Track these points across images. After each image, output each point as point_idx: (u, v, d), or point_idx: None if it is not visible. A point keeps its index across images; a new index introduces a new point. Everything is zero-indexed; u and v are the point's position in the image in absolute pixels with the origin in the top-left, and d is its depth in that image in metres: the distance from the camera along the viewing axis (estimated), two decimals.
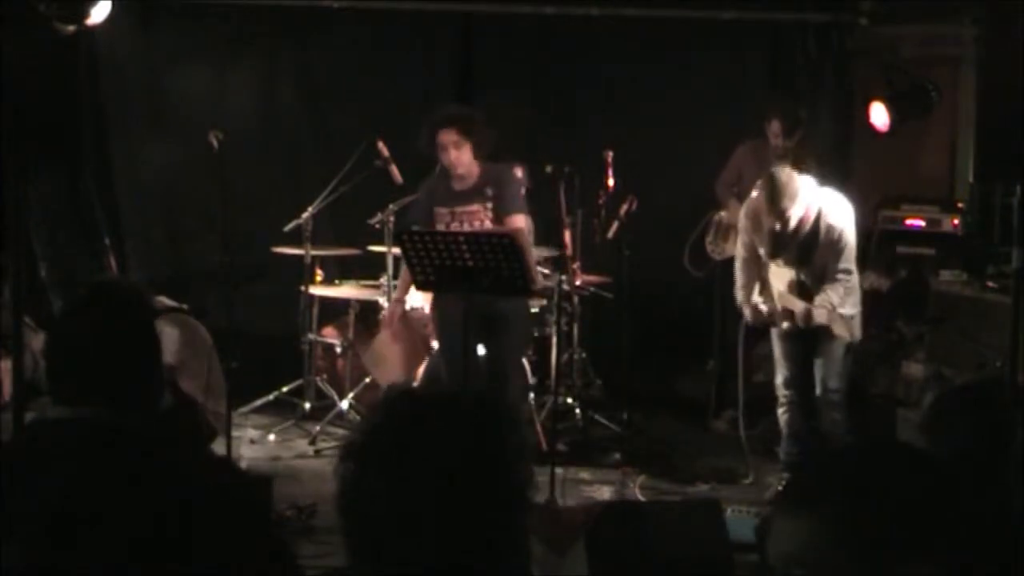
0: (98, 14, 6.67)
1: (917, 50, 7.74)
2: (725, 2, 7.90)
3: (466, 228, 5.86)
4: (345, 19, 7.99)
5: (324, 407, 7.21)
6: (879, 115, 7.35)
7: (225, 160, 5.93)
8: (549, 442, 6.09)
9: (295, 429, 7.13)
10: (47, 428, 2.42)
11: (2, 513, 2.05)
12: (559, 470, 5.75)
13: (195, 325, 5.46)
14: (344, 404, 7.09)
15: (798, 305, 5.65)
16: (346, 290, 7.36)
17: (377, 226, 6.91)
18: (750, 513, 5.26)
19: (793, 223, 5.60)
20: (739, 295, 5.99)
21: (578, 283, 7.14)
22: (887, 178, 7.82)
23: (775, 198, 5.57)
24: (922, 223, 7.39)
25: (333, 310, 7.50)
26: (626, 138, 7.29)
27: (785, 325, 5.77)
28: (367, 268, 7.46)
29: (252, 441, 6.90)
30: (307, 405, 7.28)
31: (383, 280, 7.03)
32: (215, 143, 5.89)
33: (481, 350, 6.03)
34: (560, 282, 6.22)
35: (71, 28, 6.70)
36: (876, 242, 7.16)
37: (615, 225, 7.04)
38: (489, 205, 5.91)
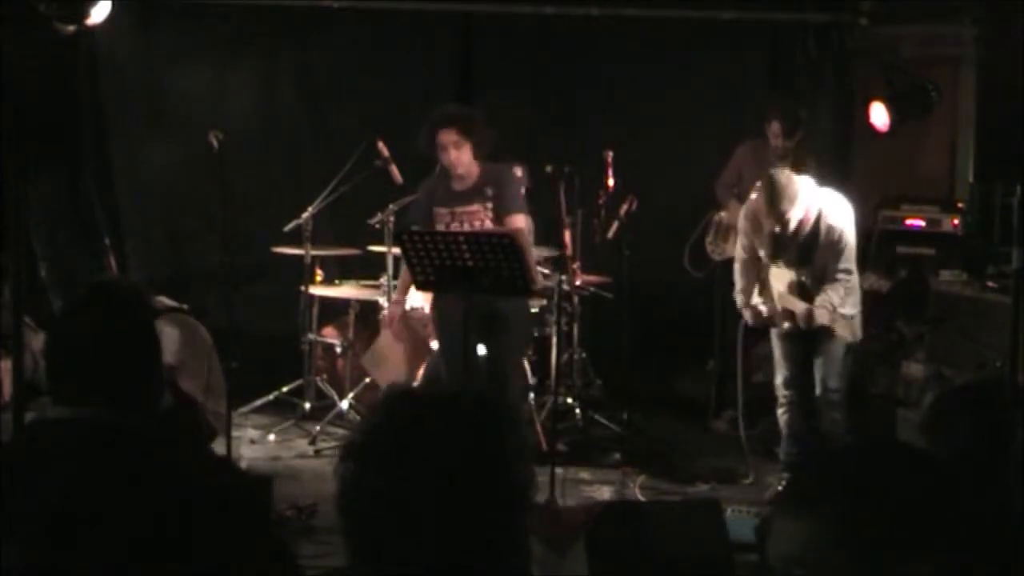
0: (98, 14, 6.67)
1: (917, 50, 7.74)
2: (725, 2, 7.90)
3: (466, 228, 5.86)
4: (345, 19, 7.99)
5: (324, 407, 7.21)
6: (879, 115, 7.35)
7: (225, 160, 5.93)
8: (549, 442, 6.09)
9: (295, 429, 7.13)
10: (47, 428, 2.42)
11: (2, 513, 2.05)
12: (559, 470, 5.75)
13: (195, 325, 5.46)
14: (344, 404, 7.09)
15: (799, 306, 5.65)
16: (346, 290, 7.36)
17: (377, 226, 6.92)
18: (750, 513, 5.26)
19: (793, 225, 5.60)
20: (739, 298, 5.99)
21: (578, 283, 7.14)
22: (887, 178, 7.82)
23: (774, 200, 5.57)
24: (922, 223, 7.39)
25: (333, 310, 7.50)
26: (626, 138, 7.29)
27: (786, 326, 5.77)
28: (367, 268, 7.46)
29: (252, 441, 6.90)
30: (307, 405, 7.28)
31: (383, 280, 7.03)
32: (215, 143, 5.89)
33: (482, 350, 6.03)
34: (560, 282, 6.22)
35: (71, 28, 6.70)
36: (876, 242, 7.17)
37: (615, 225, 7.04)
38: (489, 205, 5.90)
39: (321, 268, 7.41)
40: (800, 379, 5.91)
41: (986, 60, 7.64)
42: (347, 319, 7.32)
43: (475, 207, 5.91)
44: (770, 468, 6.24)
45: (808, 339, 5.83)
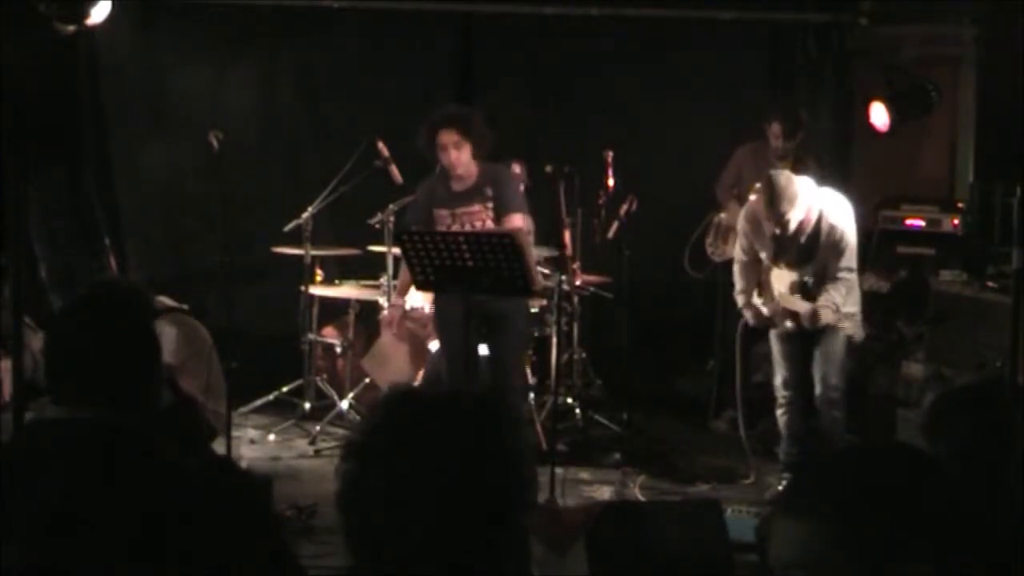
0: (98, 14, 6.67)
1: (917, 50, 7.74)
2: (725, 2, 7.90)
3: (467, 229, 5.86)
4: (345, 19, 7.99)
5: (324, 407, 7.21)
6: (879, 115, 7.35)
7: (225, 160, 5.93)
8: (549, 442, 6.09)
9: (295, 429, 7.13)
10: (47, 428, 2.43)
11: (2, 513, 2.05)
12: (559, 470, 5.75)
13: (195, 325, 5.46)
14: (344, 404, 7.09)
15: (802, 306, 5.66)
16: (346, 290, 7.36)
17: (377, 226, 6.92)
18: (750, 513, 5.26)
19: (793, 226, 5.60)
20: (739, 298, 5.99)
21: (578, 283, 7.14)
22: (887, 178, 7.82)
23: (774, 201, 5.57)
24: (922, 223, 7.39)
25: (333, 310, 7.50)
26: (626, 138, 7.29)
27: (788, 325, 5.77)
28: (367, 268, 7.46)
29: (252, 441, 6.90)
30: (307, 405, 7.28)
31: (383, 280, 7.03)
32: (215, 143, 5.89)
33: (483, 350, 6.03)
34: (560, 282, 6.22)
35: (71, 28, 6.70)
36: (876, 242, 7.16)
37: (615, 225, 7.04)
38: (489, 205, 5.91)
39: (321, 268, 7.41)
40: (799, 379, 5.91)
41: (986, 60, 7.64)
42: (347, 319, 7.32)
43: (475, 207, 5.91)
44: (770, 468, 6.24)
45: (807, 339, 5.83)
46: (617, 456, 6.61)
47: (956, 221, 7.31)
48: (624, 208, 6.99)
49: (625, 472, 6.38)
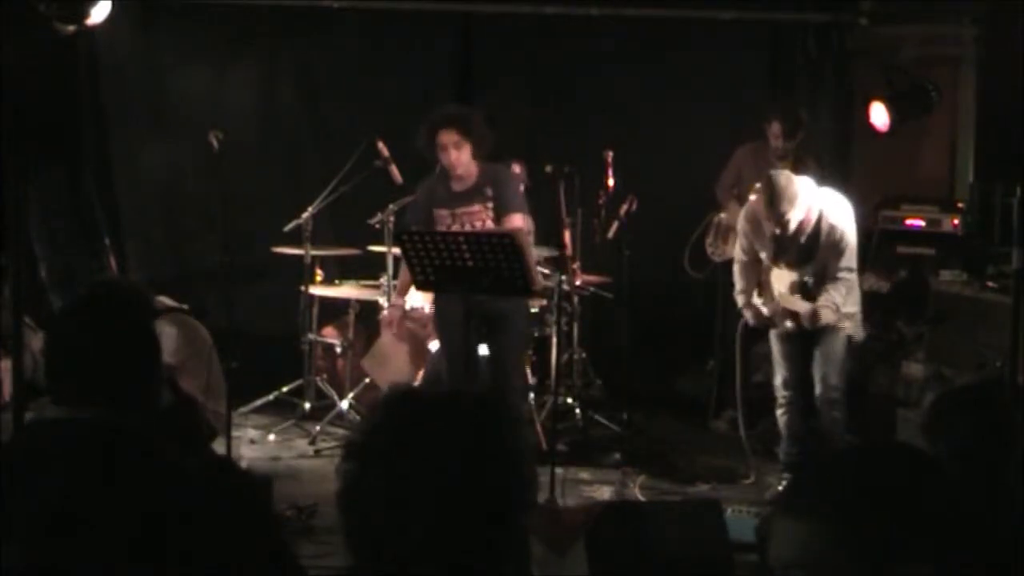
0: (98, 14, 6.67)
1: (917, 50, 7.74)
2: (725, 2, 7.90)
3: (468, 229, 5.86)
4: (345, 19, 7.99)
5: (324, 407, 7.21)
6: (879, 115, 7.35)
7: (225, 160, 5.93)
8: (549, 442, 6.09)
9: (295, 429, 7.13)
10: (47, 428, 2.42)
11: (2, 513, 2.05)
12: (559, 470, 5.75)
13: (195, 325, 5.46)
14: (344, 404, 7.09)
15: (803, 306, 5.66)
16: (346, 290, 7.36)
17: (377, 226, 6.92)
18: (750, 513, 5.26)
19: (793, 226, 5.60)
20: (739, 298, 5.99)
21: (578, 283, 7.14)
22: (887, 178, 7.82)
23: (773, 201, 5.57)
24: (922, 223, 7.39)
25: (333, 310, 7.50)
26: (626, 138, 7.29)
27: (789, 325, 5.77)
28: (367, 268, 7.46)
29: (252, 441, 6.90)
30: (307, 405, 7.28)
31: (383, 280, 7.03)
32: (215, 143, 5.89)
33: (483, 350, 6.03)
34: (560, 282, 6.22)
35: (71, 28, 6.70)
36: (876, 242, 7.16)
37: (615, 225, 7.04)
38: (489, 205, 5.90)
39: (321, 268, 7.41)
40: (799, 379, 5.91)
41: (986, 60, 7.64)
42: (347, 319, 7.32)
43: (476, 207, 5.91)
44: (770, 468, 6.24)
45: (807, 338, 5.83)
46: (617, 456, 6.61)
47: (956, 221, 7.31)
48: (624, 208, 6.99)
49: (625, 472, 6.38)
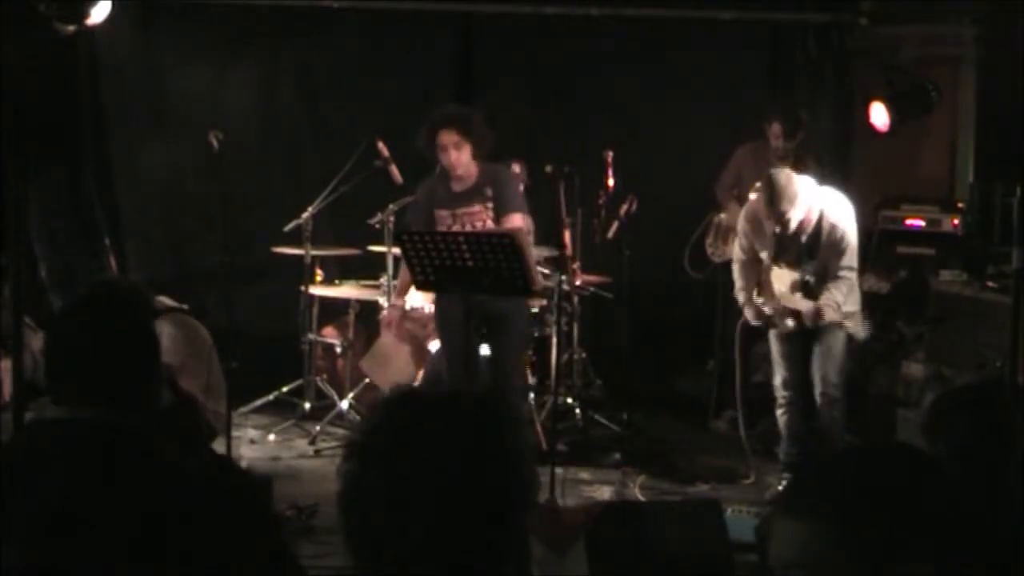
0: (98, 14, 6.67)
1: (917, 50, 7.74)
2: (725, 2, 7.90)
3: (468, 229, 5.86)
4: (345, 19, 7.99)
5: (324, 407, 7.21)
6: (879, 115, 7.35)
7: (225, 160, 5.93)
8: (549, 442, 6.09)
9: (295, 429, 7.13)
10: (47, 428, 2.42)
11: (2, 513, 2.05)
12: (559, 470, 5.75)
13: (195, 325, 5.46)
14: (344, 404, 7.09)
15: (805, 304, 5.66)
16: (346, 290, 7.36)
17: (377, 226, 6.92)
18: (750, 513, 5.26)
19: (793, 225, 5.60)
20: (739, 296, 6.00)
21: (578, 283, 7.15)
22: (887, 178, 7.82)
23: (774, 200, 5.57)
24: (922, 223, 7.39)
25: (333, 310, 7.50)
26: (626, 138, 7.29)
27: (790, 324, 5.77)
28: (367, 268, 7.46)
29: (252, 441, 6.90)
30: (307, 405, 7.28)
31: (383, 280, 7.03)
32: (215, 143, 5.89)
33: (485, 350, 6.03)
34: (560, 282, 6.22)
35: (71, 28, 6.70)
36: (876, 242, 7.16)
37: (615, 225, 7.04)
38: (489, 205, 5.90)
39: (321, 268, 7.41)
40: (799, 379, 5.91)
41: (986, 60, 7.64)
42: (347, 319, 7.32)
43: (476, 207, 5.91)
44: (770, 468, 6.24)
45: (806, 338, 5.84)
46: (617, 456, 6.61)
47: (956, 221, 7.31)
48: (624, 208, 6.99)
49: (625, 472, 6.38)
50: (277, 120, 8.28)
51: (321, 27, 8.04)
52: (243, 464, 6.15)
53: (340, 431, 6.98)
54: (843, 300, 5.65)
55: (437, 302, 6.21)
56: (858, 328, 5.71)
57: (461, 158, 5.83)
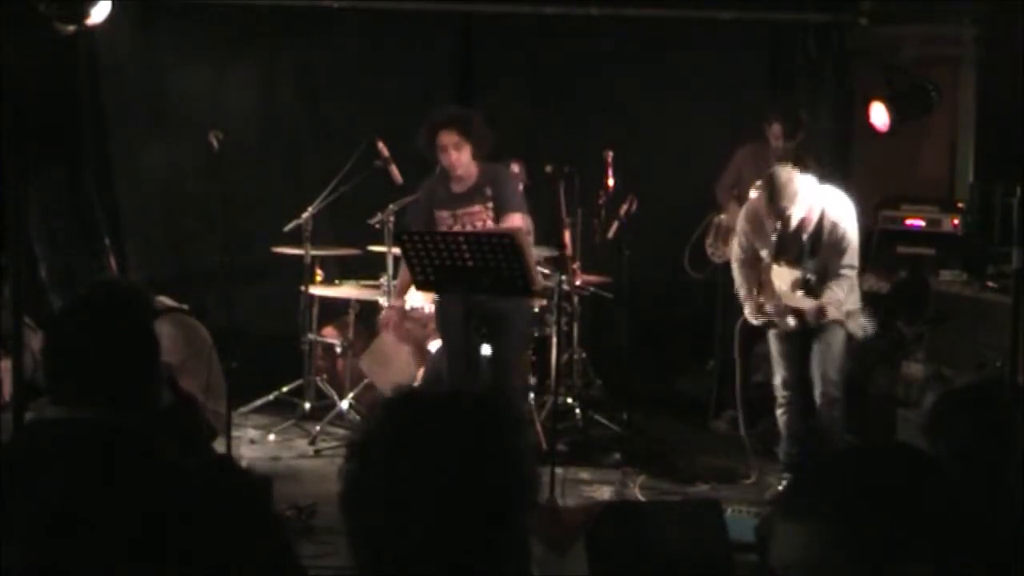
0: (98, 14, 6.67)
1: (917, 50, 7.74)
2: (725, 2, 7.90)
3: (469, 229, 5.86)
4: (345, 19, 7.99)
5: (324, 407, 7.21)
6: (879, 115, 7.35)
7: (225, 160, 5.93)
8: (549, 442, 6.09)
9: (295, 429, 7.13)
10: (47, 428, 2.42)
11: (2, 513, 2.05)
12: (559, 470, 5.75)
13: (195, 325, 5.46)
14: (344, 404, 7.09)
15: (807, 303, 5.66)
16: (346, 290, 7.36)
17: (377, 226, 6.91)
18: (750, 513, 5.26)
19: (794, 223, 5.60)
20: (740, 292, 5.99)
21: (578, 283, 7.14)
22: (887, 178, 7.82)
23: (774, 197, 5.57)
24: (922, 223, 7.39)
25: (333, 310, 7.50)
26: (626, 138, 7.29)
27: (792, 323, 5.76)
28: (367, 268, 7.46)
29: (252, 441, 6.90)
30: (307, 405, 7.28)
31: (383, 280, 7.03)
32: (215, 143, 5.89)
33: (486, 349, 6.03)
34: (560, 282, 6.22)
35: (71, 28, 6.70)
36: (876, 242, 7.16)
37: (615, 225, 7.04)
38: (489, 205, 5.91)
39: (321, 268, 7.41)
40: (799, 379, 5.91)
41: (986, 60, 7.64)
42: (347, 319, 7.32)
43: (476, 208, 5.91)
44: (770, 468, 6.24)
45: (806, 337, 5.83)
46: (617, 456, 6.61)
47: (956, 221, 7.31)
48: (624, 208, 6.99)
49: (625, 472, 6.38)
50: (277, 120, 8.28)
51: (321, 27, 8.04)
52: (243, 464, 6.15)
53: (340, 431, 6.98)
54: (844, 298, 5.65)
55: (438, 302, 6.21)
56: (857, 327, 5.71)
57: (461, 158, 5.84)
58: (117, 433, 2.25)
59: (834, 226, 5.68)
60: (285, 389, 7.36)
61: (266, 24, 8.05)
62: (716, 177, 7.34)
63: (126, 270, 7.92)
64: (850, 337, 5.83)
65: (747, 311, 5.94)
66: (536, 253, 6.42)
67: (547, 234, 6.84)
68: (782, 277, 5.81)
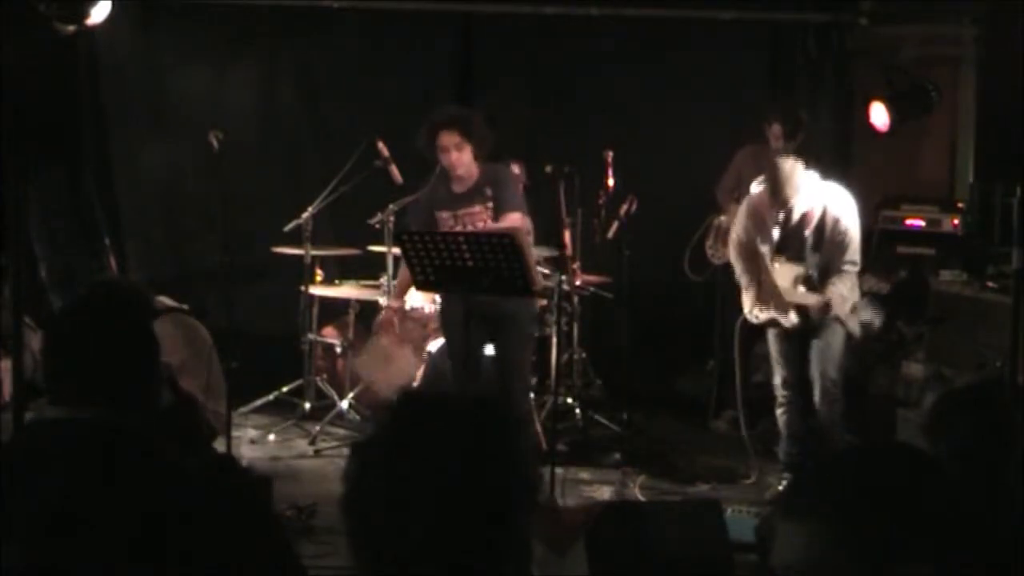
0: (98, 14, 6.68)
1: (917, 50, 7.74)
2: (725, 2, 7.90)
3: (469, 229, 5.85)
4: (345, 19, 7.99)
5: (324, 407, 7.21)
6: (879, 115, 7.35)
7: (225, 160, 5.93)
8: (549, 442, 6.09)
9: (295, 429, 7.13)
10: (47, 428, 2.42)
11: (2, 513, 2.05)
12: (559, 470, 5.75)
13: (195, 325, 5.45)
14: (344, 404, 7.08)
15: (812, 298, 5.65)
16: (346, 290, 7.36)
17: (377, 226, 6.91)
18: (750, 513, 5.26)
19: (796, 215, 5.61)
20: (742, 280, 5.96)
21: (578, 283, 7.15)
22: (887, 178, 7.82)
23: (778, 187, 5.57)
24: (922, 223, 7.39)
25: (333, 310, 7.49)
26: (626, 138, 7.29)
27: (794, 319, 5.75)
28: (367, 268, 7.46)
29: (252, 441, 6.90)
30: (307, 405, 7.28)
31: (383, 280, 7.03)
32: (215, 143, 5.89)
33: (489, 349, 6.03)
34: (560, 282, 6.22)
35: (71, 28, 6.70)
36: (876, 242, 7.16)
37: (615, 225, 7.04)
38: (489, 205, 5.90)
39: (321, 268, 7.41)
40: (798, 379, 5.91)
41: (986, 60, 7.64)
42: (347, 319, 7.32)
43: (476, 208, 5.91)
44: (770, 468, 6.24)
45: (805, 337, 5.83)
46: (617, 456, 6.61)
47: (956, 221, 7.31)
48: (624, 208, 6.99)
49: (625, 472, 6.38)
50: (277, 120, 8.28)
51: (321, 27, 8.04)
52: (243, 464, 6.14)
53: (340, 431, 6.98)
54: (847, 294, 5.65)
55: (442, 303, 6.21)
56: (858, 325, 5.70)
57: (462, 159, 5.83)
58: (117, 433, 2.25)
59: (836, 222, 5.68)
60: (285, 389, 7.36)
61: (266, 24, 8.05)
62: (716, 178, 7.34)
63: (126, 270, 7.92)
64: (850, 337, 5.83)
65: (746, 304, 5.92)
66: (536, 253, 6.42)
67: (547, 234, 6.84)
68: (782, 275, 5.80)
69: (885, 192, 7.59)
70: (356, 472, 1.63)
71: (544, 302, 6.84)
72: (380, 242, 7.06)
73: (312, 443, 6.84)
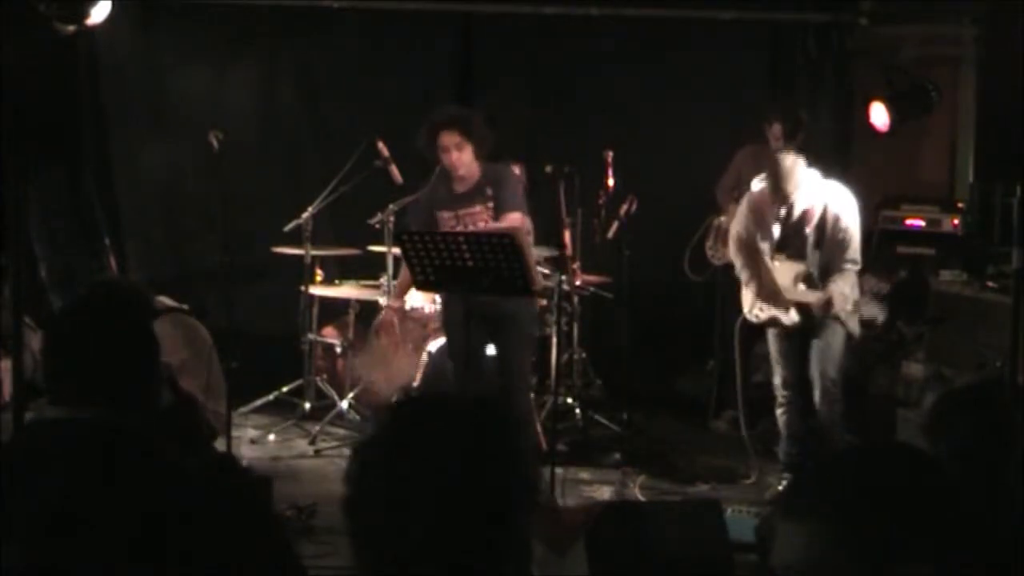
0: (98, 14, 6.68)
1: (917, 50, 7.74)
2: (725, 2, 7.90)
3: (470, 229, 5.85)
4: (345, 19, 7.99)
5: (324, 407, 7.21)
6: (879, 115, 7.35)
7: (225, 160, 5.93)
8: (549, 442, 6.09)
9: (295, 429, 7.13)
10: (47, 428, 2.42)
11: (2, 513, 2.05)
12: (559, 470, 5.75)
13: (195, 325, 5.46)
14: (344, 404, 7.08)
15: (813, 296, 5.65)
16: (346, 290, 7.36)
17: (377, 226, 6.91)
18: (750, 513, 5.26)
19: (797, 211, 5.61)
20: (743, 275, 5.95)
21: (578, 283, 7.15)
22: (887, 178, 7.82)
23: (779, 182, 5.57)
24: (922, 223, 7.39)
25: (333, 310, 7.49)
26: (626, 138, 7.29)
27: (795, 317, 5.75)
28: (367, 268, 7.46)
29: (252, 441, 6.90)
30: (307, 405, 7.28)
31: (383, 280, 7.02)
32: (215, 143, 5.90)
33: (491, 349, 6.03)
34: (560, 282, 6.22)
35: (71, 28, 6.70)
36: (876, 242, 7.16)
37: (615, 225, 7.04)
38: (490, 205, 5.90)
39: (321, 268, 7.41)
40: (798, 379, 5.91)
41: (986, 60, 7.65)
42: (347, 319, 7.31)
43: (477, 208, 5.91)
44: (770, 468, 6.24)
45: (805, 337, 5.83)
46: (617, 456, 6.61)
47: (956, 221, 7.31)
48: (624, 208, 6.99)
49: (625, 472, 6.38)
50: (277, 120, 8.28)
51: (321, 27, 8.04)
52: (243, 464, 6.14)
53: (340, 431, 6.98)
54: (849, 292, 5.65)
55: (443, 303, 6.21)
56: (858, 324, 5.70)
57: (463, 159, 5.83)
58: (117, 433, 2.25)
59: (837, 220, 5.68)
60: (285, 389, 7.36)
61: (266, 24, 8.05)
62: (716, 178, 7.34)
63: (126, 270, 7.92)
64: (850, 337, 5.83)
65: (747, 301, 5.92)
66: (536, 253, 6.42)
67: (547, 234, 6.84)
68: (783, 273, 5.80)
69: (885, 192, 7.59)
70: (357, 472, 1.63)
71: (544, 302, 6.84)
72: (380, 242, 7.06)
73: (312, 443, 6.84)
